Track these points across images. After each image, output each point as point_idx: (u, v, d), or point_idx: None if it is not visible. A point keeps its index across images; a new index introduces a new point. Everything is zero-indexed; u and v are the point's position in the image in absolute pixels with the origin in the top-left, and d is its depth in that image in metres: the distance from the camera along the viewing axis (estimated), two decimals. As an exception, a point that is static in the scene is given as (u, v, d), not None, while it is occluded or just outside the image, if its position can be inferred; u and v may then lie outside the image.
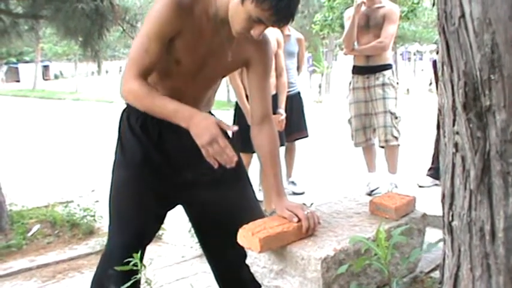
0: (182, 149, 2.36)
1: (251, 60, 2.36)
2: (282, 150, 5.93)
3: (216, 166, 2.03)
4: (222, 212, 2.48)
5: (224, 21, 2.14)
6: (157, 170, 2.36)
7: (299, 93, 6.03)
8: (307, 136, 6.10)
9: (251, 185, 2.63)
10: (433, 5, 1.58)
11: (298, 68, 6.22)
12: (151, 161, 2.35)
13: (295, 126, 5.86)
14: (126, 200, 2.42)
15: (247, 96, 4.56)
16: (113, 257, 2.33)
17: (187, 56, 2.21)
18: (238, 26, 2.08)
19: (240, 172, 2.54)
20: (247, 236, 2.09)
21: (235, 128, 2.07)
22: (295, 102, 5.90)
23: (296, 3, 2.01)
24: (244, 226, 2.14)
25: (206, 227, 2.58)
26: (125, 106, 2.46)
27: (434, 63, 5.45)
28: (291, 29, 5.98)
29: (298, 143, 6.09)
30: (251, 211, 2.46)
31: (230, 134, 2.04)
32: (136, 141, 2.37)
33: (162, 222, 2.57)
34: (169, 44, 2.16)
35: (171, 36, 2.13)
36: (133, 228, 2.39)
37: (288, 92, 5.65)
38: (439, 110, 1.58)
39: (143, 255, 2.31)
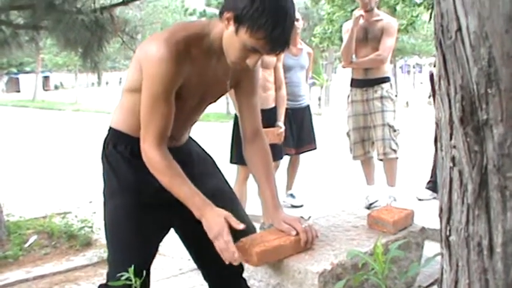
0: None
1: (240, 79, 2.38)
2: (285, 162, 5.95)
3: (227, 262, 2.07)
4: None
5: (221, 53, 2.14)
6: (156, 194, 2.30)
7: (308, 106, 6.08)
8: (315, 148, 6.12)
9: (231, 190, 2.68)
10: (430, 18, 1.58)
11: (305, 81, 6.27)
12: (150, 186, 2.30)
13: (306, 139, 5.91)
14: (128, 231, 2.37)
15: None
16: None
17: (188, 92, 2.22)
18: (233, 56, 2.09)
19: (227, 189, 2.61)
20: (244, 249, 2.08)
21: (242, 226, 2.08)
22: (305, 115, 5.95)
23: (290, 30, 2.00)
24: (242, 239, 2.13)
25: (200, 242, 2.55)
26: (108, 135, 2.44)
27: (432, 76, 5.45)
28: (302, 43, 6.03)
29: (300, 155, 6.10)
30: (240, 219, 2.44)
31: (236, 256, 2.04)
32: (129, 166, 2.35)
33: (158, 246, 2.55)
34: None
35: (178, 84, 2.14)
36: (138, 260, 2.30)
37: (299, 104, 5.72)
38: (436, 124, 1.57)
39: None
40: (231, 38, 2.03)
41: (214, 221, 2.07)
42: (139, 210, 2.33)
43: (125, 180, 2.36)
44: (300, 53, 5.89)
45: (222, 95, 2.47)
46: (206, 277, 2.68)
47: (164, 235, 2.51)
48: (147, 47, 2.12)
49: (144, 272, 2.18)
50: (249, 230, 2.38)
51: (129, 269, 2.15)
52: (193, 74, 2.17)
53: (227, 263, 2.06)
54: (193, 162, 2.50)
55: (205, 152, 2.66)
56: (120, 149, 2.36)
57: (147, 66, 2.10)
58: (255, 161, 2.44)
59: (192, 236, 2.53)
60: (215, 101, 2.49)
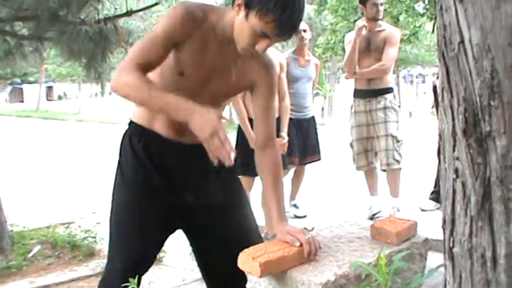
0: (184, 171, 2.38)
1: (256, 82, 2.38)
2: (290, 172, 5.96)
3: (216, 162, 2.02)
4: (222, 236, 2.47)
5: (230, 41, 2.16)
6: (159, 192, 2.35)
7: (313, 117, 6.10)
8: (320, 159, 6.14)
9: (251, 210, 2.63)
10: (433, 30, 1.59)
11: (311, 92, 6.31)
12: (153, 183, 2.34)
13: (310, 150, 5.93)
14: (127, 223, 2.40)
15: (250, 120, 4.61)
16: (112, 283, 2.29)
17: (191, 69, 2.22)
18: (243, 42, 2.11)
19: (240, 196, 2.58)
20: (247, 260, 2.08)
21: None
22: (310, 126, 5.97)
23: (298, 15, 2.03)
24: (245, 250, 2.13)
25: (206, 250, 2.56)
26: (127, 128, 2.46)
27: (435, 88, 5.47)
28: (310, 54, 6.06)
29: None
30: (250, 236, 2.46)
31: (233, 157, 2.01)
32: (138, 162, 2.37)
33: (162, 246, 2.55)
34: (174, 54, 2.18)
35: (178, 41, 2.14)
36: (135, 253, 2.35)
37: (304, 115, 5.74)
38: (439, 136, 1.58)
39: (140, 280, 2.28)
40: (242, 23, 2.06)
41: (208, 117, 1.97)
42: (142, 206, 2.35)
43: (132, 175, 2.39)
44: (308, 64, 5.92)
45: (229, 91, 2.43)
46: (209, 284, 2.68)
47: (166, 235, 2.50)
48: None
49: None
50: (256, 240, 2.40)
51: (124, 263, 2.19)
52: (200, 45, 2.18)
53: (222, 162, 2.01)
54: (206, 182, 2.45)
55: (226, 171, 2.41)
56: (134, 142, 2.38)
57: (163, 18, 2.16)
58: (266, 169, 2.43)
59: (198, 239, 2.56)
60: (221, 99, 2.44)
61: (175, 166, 2.38)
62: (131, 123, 2.45)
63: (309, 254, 2.13)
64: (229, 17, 2.14)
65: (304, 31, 5.88)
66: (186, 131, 2.05)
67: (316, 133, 6.08)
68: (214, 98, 2.34)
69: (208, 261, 2.58)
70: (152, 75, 2.14)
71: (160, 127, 2.35)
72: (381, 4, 5.50)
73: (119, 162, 2.46)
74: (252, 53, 2.15)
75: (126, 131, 2.47)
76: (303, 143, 5.82)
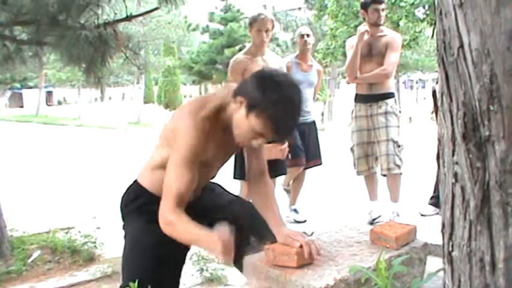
0: None
1: None
2: (280, 178, 5.97)
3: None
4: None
5: (231, 124, 2.32)
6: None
7: (314, 122, 6.11)
8: (320, 164, 6.14)
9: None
10: (433, 35, 1.59)
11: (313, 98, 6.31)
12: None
13: (312, 155, 5.92)
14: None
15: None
16: None
17: (210, 162, 2.46)
18: (240, 137, 2.29)
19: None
20: (279, 254, 2.15)
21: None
22: (311, 131, 5.97)
23: (295, 121, 2.22)
24: (267, 246, 2.20)
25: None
26: (139, 191, 2.61)
27: (434, 93, 5.47)
28: (313, 60, 6.06)
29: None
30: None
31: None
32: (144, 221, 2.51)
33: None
34: None
35: (202, 156, 2.32)
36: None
37: (306, 120, 5.74)
38: (439, 140, 1.58)
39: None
40: (242, 119, 2.21)
41: (214, 241, 2.11)
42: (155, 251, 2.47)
43: (139, 232, 2.55)
44: (310, 70, 5.93)
45: (232, 151, 2.69)
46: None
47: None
48: (177, 123, 2.34)
49: None
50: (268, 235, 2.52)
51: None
52: (214, 146, 2.37)
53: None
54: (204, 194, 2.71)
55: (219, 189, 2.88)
56: (139, 203, 2.56)
57: (179, 137, 2.28)
58: (259, 200, 2.63)
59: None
60: (230, 156, 2.72)
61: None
62: (140, 187, 2.61)
63: (309, 254, 2.15)
64: (231, 108, 2.29)
65: (308, 36, 5.89)
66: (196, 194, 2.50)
67: (317, 137, 6.09)
68: (223, 160, 2.64)
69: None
70: None
71: None
72: (383, 10, 5.50)
73: (138, 208, 2.61)
74: (248, 146, 2.39)
75: (134, 191, 2.64)
76: (304, 148, 5.82)
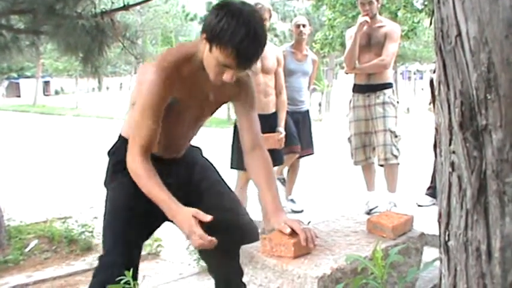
0: (174, 177, 2.61)
1: (236, 97, 2.60)
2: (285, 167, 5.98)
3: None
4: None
5: (204, 68, 2.32)
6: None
7: (308, 111, 6.11)
8: (312, 153, 6.14)
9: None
10: (430, 24, 1.58)
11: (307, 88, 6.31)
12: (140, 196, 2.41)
13: (304, 144, 5.91)
14: (119, 213, 2.56)
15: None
16: (108, 273, 2.36)
17: (184, 107, 2.47)
18: (211, 73, 2.28)
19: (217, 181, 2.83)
20: (275, 244, 2.14)
21: (209, 218, 2.25)
22: (305, 120, 5.96)
23: (257, 45, 2.16)
24: (265, 236, 2.19)
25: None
26: (121, 143, 2.62)
27: (431, 82, 5.46)
28: (308, 50, 6.06)
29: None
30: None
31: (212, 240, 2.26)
32: (125, 174, 2.45)
33: (152, 233, 2.77)
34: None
35: (165, 101, 2.35)
36: (127, 243, 2.48)
37: (299, 109, 5.73)
38: (436, 129, 1.58)
39: (137, 270, 2.43)
40: (207, 56, 2.23)
41: (184, 220, 2.25)
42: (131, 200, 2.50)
43: (120, 187, 2.58)
44: (305, 59, 5.93)
45: (209, 110, 2.65)
46: (210, 271, 2.97)
47: (156, 225, 2.70)
48: (143, 71, 2.39)
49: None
50: (252, 229, 2.64)
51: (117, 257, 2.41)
52: (186, 90, 2.39)
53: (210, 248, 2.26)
54: (194, 170, 2.78)
55: (207, 161, 2.90)
56: (122, 156, 2.48)
57: (141, 87, 2.34)
58: (256, 171, 2.58)
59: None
60: (203, 119, 2.68)
61: (163, 178, 2.43)
62: (123, 138, 2.64)
63: (305, 240, 2.15)
64: (201, 49, 2.28)
65: (304, 26, 5.88)
66: (172, 152, 2.64)
67: (310, 127, 6.09)
68: (197, 118, 2.63)
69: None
70: None
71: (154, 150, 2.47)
72: (370, 2, 5.47)
73: (109, 173, 2.71)
74: (223, 83, 2.30)
75: (117, 144, 2.72)
76: (298, 135, 5.81)
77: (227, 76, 2.23)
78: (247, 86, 2.60)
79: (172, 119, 2.45)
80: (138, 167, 2.34)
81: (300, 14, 30.11)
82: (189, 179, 2.74)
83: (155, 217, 2.49)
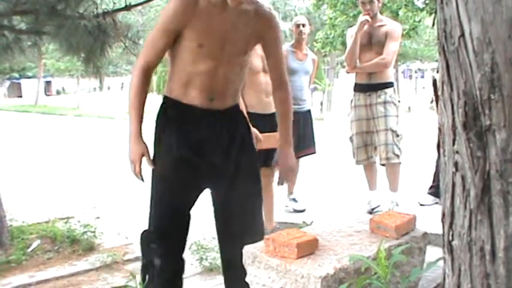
0: (213, 135, 2.74)
1: (262, 33, 2.72)
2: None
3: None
4: (234, 205, 2.83)
5: (225, 3, 2.49)
6: (190, 158, 2.70)
7: (309, 110, 6.10)
8: (314, 153, 6.13)
9: (260, 188, 2.97)
10: (433, 24, 1.58)
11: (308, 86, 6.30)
12: (186, 150, 2.69)
13: (306, 143, 5.90)
14: (165, 186, 2.78)
15: (248, 114, 4.59)
16: (154, 234, 2.77)
17: (207, 39, 2.55)
18: None
19: (253, 174, 2.93)
20: (278, 245, 2.14)
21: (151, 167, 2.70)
22: (305, 119, 5.95)
23: None
24: (267, 237, 2.20)
25: (224, 213, 2.89)
26: (163, 102, 2.79)
27: (434, 82, 5.45)
28: (308, 49, 6.06)
29: (301, 160, 6.09)
30: (253, 211, 2.92)
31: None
32: (171, 131, 2.71)
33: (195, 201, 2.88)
34: (187, 34, 2.53)
35: (179, 30, 2.53)
36: (171, 210, 2.78)
37: (300, 108, 5.72)
38: (439, 129, 1.58)
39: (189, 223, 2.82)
40: None
41: (134, 151, 2.63)
42: (173, 170, 2.73)
43: (164, 143, 2.73)
44: (305, 58, 5.93)
45: (244, 44, 2.71)
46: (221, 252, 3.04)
47: (198, 194, 2.86)
48: None
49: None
50: (257, 231, 2.75)
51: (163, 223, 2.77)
52: (203, 19, 2.50)
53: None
54: (233, 145, 2.81)
55: (251, 143, 3.00)
56: (170, 114, 2.73)
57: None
58: (277, 108, 2.98)
59: (220, 202, 2.90)
60: (241, 55, 2.72)
61: (206, 132, 2.72)
62: (166, 97, 2.77)
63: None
64: None
65: (303, 25, 5.88)
66: (214, 98, 2.66)
67: (312, 126, 6.08)
68: (235, 54, 2.67)
69: (224, 226, 2.91)
70: (176, 59, 2.65)
71: (192, 98, 2.67)
72: (370, 1, 5.46)
73: (156, 134, 2.79)
74: (241, 1, 2.49)
75: (162, 105, 2.79)
76: (298, 136, 5.78)
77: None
78: (274, 20, 2.77)
79: (200, 55, 2.58)
80: (133, 80, 2.64)
81: (301, 13, 30.09)
82: (229, 151, 2.78)
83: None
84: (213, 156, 2.72)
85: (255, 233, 2.68)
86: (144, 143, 2.65)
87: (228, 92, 2.75)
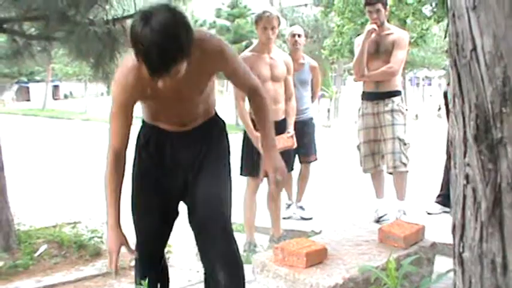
0: (186, 149, 2.86)
1: (214, 67, 2.68)
2: (296, 173, 5.97)
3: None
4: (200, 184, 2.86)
5: None
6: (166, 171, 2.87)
7: (311, 118, 6.08)
8: (315, 160, 6.12)
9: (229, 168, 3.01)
10: (445, 37, 1.59)
11: (313, 96, 6.28)
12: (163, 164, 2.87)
13: (306, 151, 5.90)
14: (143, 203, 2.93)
15: (253, 122, 4.60)
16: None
17: (159, 100, 2.61)
18: None
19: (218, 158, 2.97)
20: (288, 254, 2.15)
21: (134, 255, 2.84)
22: (306, 127, 5.93)
23: (163, 61, 2.20)
24: (276, 246, 2.20)
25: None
26: (141, 125, 2.95)
27: (445, 94, 5.44)
28: (305, 57, 6.05)
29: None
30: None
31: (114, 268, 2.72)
32: (150, 153, 2.89)
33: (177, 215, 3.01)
34: (141, 101, 2.67)
35: (133, 105, 2.59)
36: (152, 226, 2.93)
37: (300, 118, 5.68)
38: (450, 142, 1.58)
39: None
40: None
41: (113, 240, 2.67)
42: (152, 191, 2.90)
43: (143, 156, 2.92)
44: (302, 68, 5.91)
45: (199, 85, 2.71)
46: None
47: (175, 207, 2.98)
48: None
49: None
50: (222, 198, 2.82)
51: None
52: (153, 89, 2.46)
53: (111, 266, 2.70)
54: (204, 148, 2.91)
55: (221, 139, 3.03)
56: (147, 134, 2.91)
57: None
58: (255, 112, 2.91)
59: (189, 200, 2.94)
60: (198, 94, 2.75)
61: (181, 146, 2.85)
62: (143, 121, 2.93)
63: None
64: None
65: (299, 36, 5.88)
66: (186, 124, 2.80)
67: (313, 133, 6.06)
68: (192, 97, 2.73)
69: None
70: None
71: (164, 126, 2.84)
72: (378, 10, 5.46)
73: (136, 150, 2.93)
74: (202, 53, 2.46)
75: (141, 127, 2.95)
76: (298, 144, 5.74)
77: (160, 83, 2.33)
78: (218, 56, 2.63)
79: (160, 106, 2.69)
80: (108, 167, 2.68)
81: (309, 21, 30.13)
82: (194, 158, 2.87)
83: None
84: (185, 161, 2.86)
85: (222, 200, 2.80)
86: (122, 233, 2.71)
87: (198, 115, 2.86)
